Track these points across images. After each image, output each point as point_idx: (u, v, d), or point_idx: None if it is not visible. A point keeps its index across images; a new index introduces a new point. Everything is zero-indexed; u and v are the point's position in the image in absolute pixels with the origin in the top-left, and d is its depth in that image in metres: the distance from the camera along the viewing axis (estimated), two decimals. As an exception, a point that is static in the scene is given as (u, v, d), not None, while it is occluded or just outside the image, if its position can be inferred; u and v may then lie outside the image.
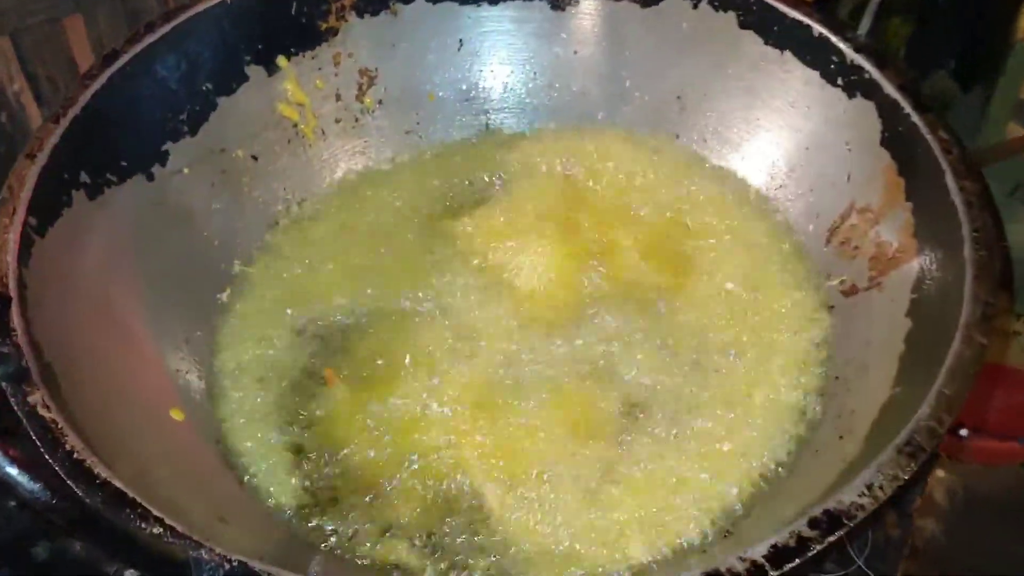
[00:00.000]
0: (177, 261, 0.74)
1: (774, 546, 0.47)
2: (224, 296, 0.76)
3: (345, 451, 0.66)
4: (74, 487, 0.47)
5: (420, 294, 0.75)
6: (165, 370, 0.68)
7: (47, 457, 0.49)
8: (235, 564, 0.46)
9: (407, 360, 0.71)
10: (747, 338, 0.71)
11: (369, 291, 0.75)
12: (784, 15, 0.77)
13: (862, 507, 0.49)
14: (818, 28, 0.75)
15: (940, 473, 1.75)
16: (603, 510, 0.62)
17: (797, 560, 0.47)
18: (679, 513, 0.61)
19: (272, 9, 0.80)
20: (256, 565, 0.46)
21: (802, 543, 0.47)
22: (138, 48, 0.73)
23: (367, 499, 0.64)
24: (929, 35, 1.95)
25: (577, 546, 0.61)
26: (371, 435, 0.67)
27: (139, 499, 0.47)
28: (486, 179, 0.84)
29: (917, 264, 0.66)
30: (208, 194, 0.78)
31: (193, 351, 0.71)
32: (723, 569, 0.47)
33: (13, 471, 0.39)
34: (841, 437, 0.61)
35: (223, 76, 0.79)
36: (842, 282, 0.72)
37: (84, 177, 0.68)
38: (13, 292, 0.58)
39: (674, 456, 0.65)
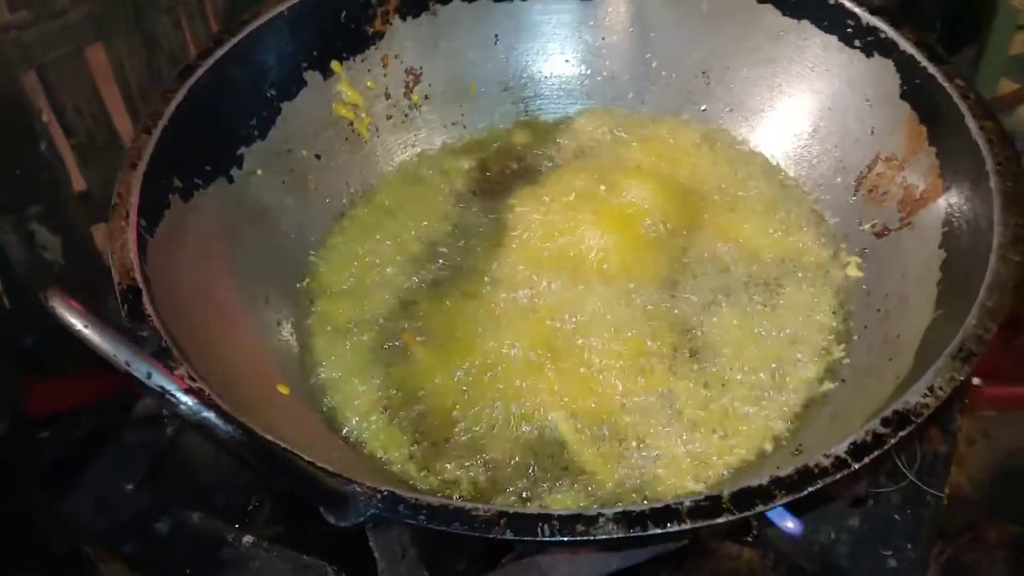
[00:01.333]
0: (260, 253, 0.80)
1: (853, 443, 0.54)
2: (304, 283, 0.82)
3: (435, 402, 0.73)
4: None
5: (482, 267, 0.81)
6: (265, 350, 0.75)
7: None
8: (385, 494, 0.53)
9: (478, 321, 0.77)
10: (788, 283, 0.78)
11: (439, 262, 0.82)
12: (797, -13, 0.84)
13: (927, 406, 0.55)
14: (832, -3, 0.82)
15: (958, 420, 1.82)
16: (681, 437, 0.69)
17: (875, 453, 0.53)
18: (746, 435, 0.68)
19: (323, 17, 0.86)
20: (404, 493, 0.53)
21: (877, 439, 0.54)
22: (211, 61, 0.79)
23: (463, 439, 0.70)
24: (916, 2, 2.03)
25: (661, 471, 0.68)
26: (457, 387, 0.73)
27: (292, 448, 0.53)
28: (530, 160, 0.90)
29: (944, 201, 0.72)
30: (280, 192, 0.84)
31: (286, 332, 0.78)
32: (812, 465, 0.53)
33: (211, 415, 0.45)
34: (891, 359, 0.68)
35: (285, 82, 0.85)
36: (873, 225, 0.79)
37: (177, 182, 0.75)
38: (141, 284, 0.64)
39: (734, 386, 0.72)
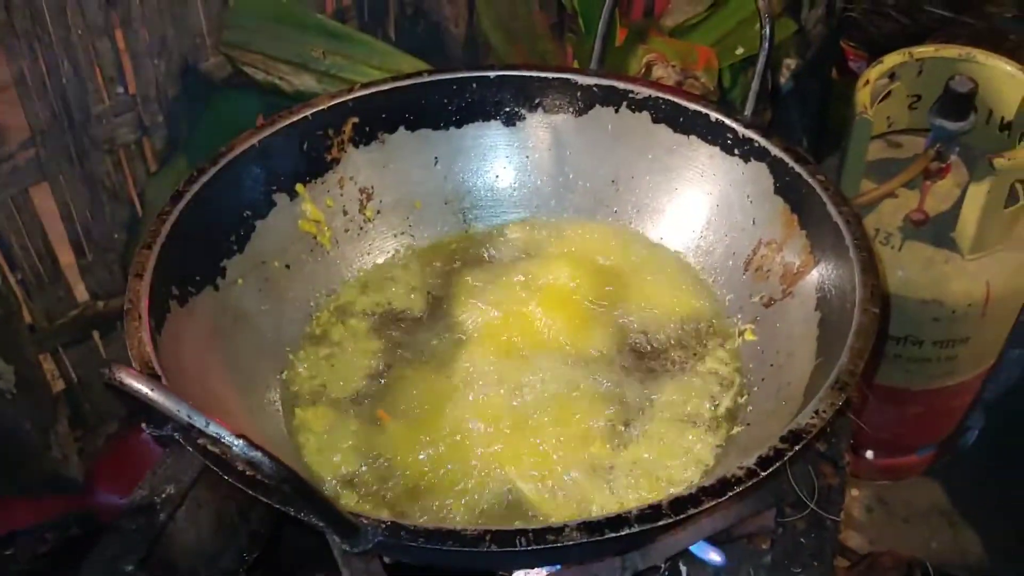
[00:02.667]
0: (245, 350, 0.92)
1: (760, 457, 0.68)
2: (283, 375, 0.94)
3: (405, 475, 0.85)
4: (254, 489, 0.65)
5: (438, 355, 0.95)
6: (255, 430, 0.86)
7: (227, 477, 0.67)
8: (388, 523, 0.65)
9: (441, 401, 0.90)
10: (698, 350, 0.93)
11: (399, 352, 0.95)
12: (686, 108, 1.02)
13: (814, 425, 0.70)
14: (714, 115, 1.00)
15: (855, 492, 1.99)
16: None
17: (777, 463, 0.68)
18: (676, 470, 0.83)
19: (289, 148, 1.01)
20: (403, 522, 0.65)
21: (778, 452, 0.68)
22: (196, 187, 0.93)
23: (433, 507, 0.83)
24: (783, 119, 2.28)
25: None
26: (424, 462, 0.86)
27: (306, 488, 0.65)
28: (473, 260, 1.05)
29: (816, 273, 0.89)
30: (257, 298, 0.97)
31: (273, 414, 0.89)
32: (729, 476, 0.67)
33: (258, 454, 0.56)
34: (785, 402, 0.83)
35: (258, 204, 0.99)
36: (762, 298, 0.95)
37: (175, 290, 0.87)
38: (160, 372, 0.76)
39: (661, 441, 0.86)
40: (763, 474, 0.67)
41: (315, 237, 1.03)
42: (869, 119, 1.66)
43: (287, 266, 1.00)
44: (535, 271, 1.01)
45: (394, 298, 1.02)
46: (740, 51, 1.78)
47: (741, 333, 0.95)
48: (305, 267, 1.02)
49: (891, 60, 1.73)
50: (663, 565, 0.98)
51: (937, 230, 1.68)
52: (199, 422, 0.57)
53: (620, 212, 1.07)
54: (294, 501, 0.61)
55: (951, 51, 1.73)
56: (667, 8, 1.97)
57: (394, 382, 0.93)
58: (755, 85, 0.98)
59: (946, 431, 1.99)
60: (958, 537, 1.66)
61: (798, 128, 2.27)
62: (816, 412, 0.71)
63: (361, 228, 1.06)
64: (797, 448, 0.69)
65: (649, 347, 0.95)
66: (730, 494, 0.66)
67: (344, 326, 0.99)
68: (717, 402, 0.90)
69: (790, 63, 2.31)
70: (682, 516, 0.65)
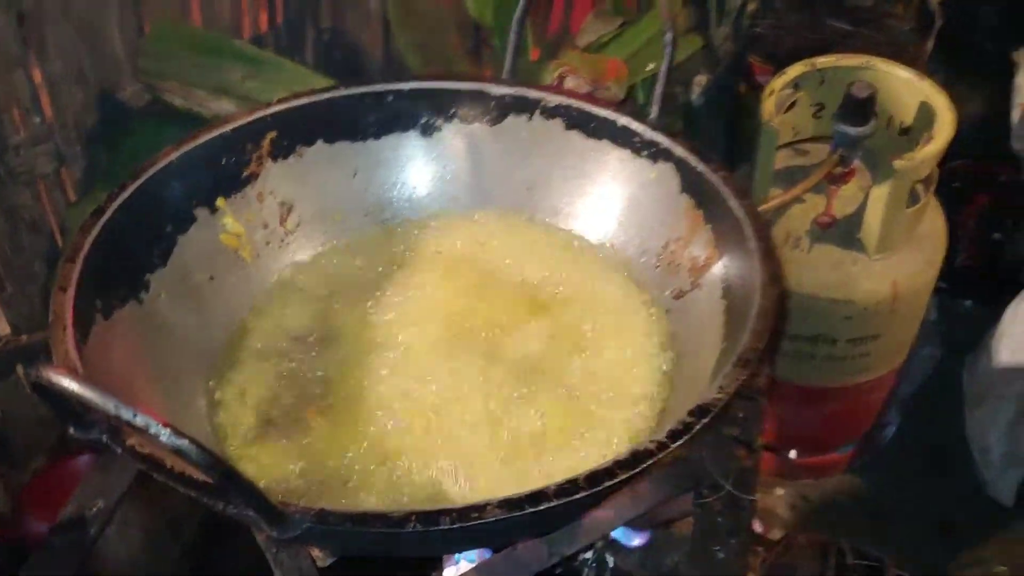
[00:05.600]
0: (171, 360, 0.93)
1: (670, 431, 0.72)
2: (211, 383, 0.96)
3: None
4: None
5: (361, 351, 0.98)
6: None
7: (156, 475, 0.68)
8: (317, 510, 0.67)
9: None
10: (614, 340, 0.97)
11: (313, 353, 0.98)
12: (596, 115, 1.06)
13: (719, 399, 0.74)
14: (622, 120, 1.04)
15: (780, 491, 2.05)
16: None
17: (685, 436, 0.71)
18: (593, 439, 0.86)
19: (208, 163, 1.03)
20: (331, 508, 0.67)
21: (686, 425, 0.72)
22: (117, 203, 0.94)
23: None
24: (697, 132, 2.35)
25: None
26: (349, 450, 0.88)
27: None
28: (393, 266, 1.08)
29: (721, 264, 0.94)
30: (182, 310, 0.98)
31: (199, 421, 0.91)
32: (641, 448, 0.71)
33: (184, 442, 0.58)
34: (697, 387, 0.87)
35: (179, 218, 1.00)
36: (673, 291, 0.99)
37: (98, 303, 0.88)
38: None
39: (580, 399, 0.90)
40: (673, 446, 0.71)
41: (237, 250, 1.05)
42: (775, 128, 1.72)
43: (211, 278, 1.02)
44: (457, 274, 1.04)
45: (311, 308, 1.04)
46: (650, 67, 1.85)
47: (657, 322, 0.99)
48: (228, 279, 1.03)
49: (794, 71, 1.80)
50: (590, 556, 1.01)
51: (844, 232, 1.75)
52: (126, 413, 0.59)
53: (537, 216, 1.11)
54: (222, 491, 0.63)
55: (851, 60, 1.81)
56: (581, 27, 2.03)
57: (315, 384, 0.95)
58: (659, 88, 1.02)
59: (865, 428, 2.06)
60: (880, 531, 1.72)
61: (711, 141, 2.35)
62: (720, 388, 0.75)
63: (282, 240, 1.08)
64: (704, 421, 0.73)
65: (574, 341, 0.98)
66: (642, 466, 0.69)
67: (266, 333, 1.01)
68: (644, 384, 0.94)
69: (701, 79, 2.39)
70: (598, 488, 0.68)
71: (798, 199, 1.77)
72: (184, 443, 0.59)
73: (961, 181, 2.40)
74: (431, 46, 1.97)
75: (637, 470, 0.70)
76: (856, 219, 1.73)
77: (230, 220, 1.04)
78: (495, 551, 0.92)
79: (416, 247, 1.10)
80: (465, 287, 1.03)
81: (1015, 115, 2.29)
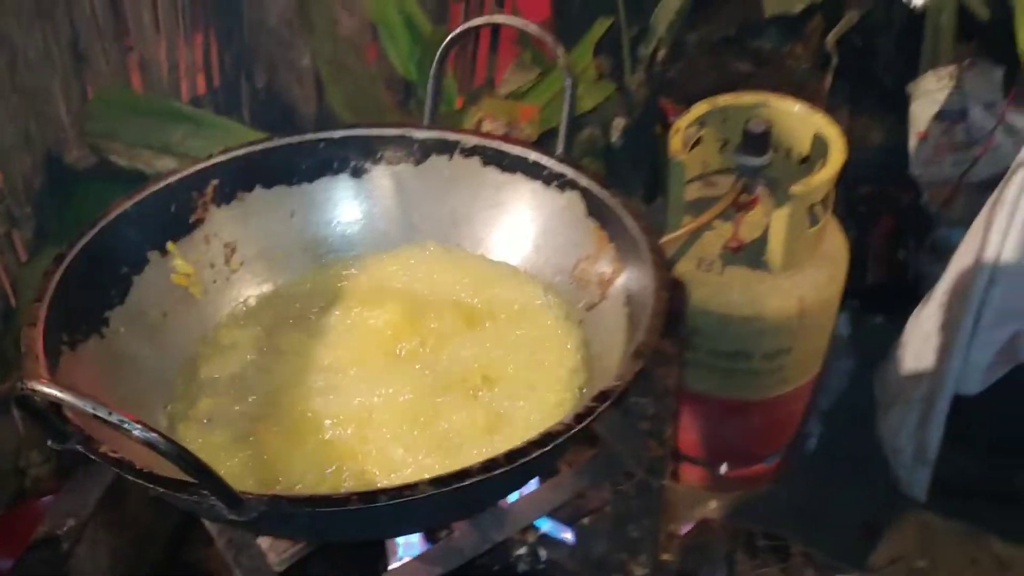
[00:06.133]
0: (132, 388, 1.03)
1: (576, 414, 0.83)
2: (168, 408, 1.05)
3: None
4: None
5: (304, 372, 1.08)
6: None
7: (127, 475, 0.78)
8: (270, 496, 0.77)
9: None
10: (535, 350, 1.08)
11: (260, 376, 1.08)
12: (509, 152, 1.18)
13: (618, 385, 0.85)
14: (533, 155, 1.17)
15: (713, 504, 2.17)
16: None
17: (589, 419, 0.82)
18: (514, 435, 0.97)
19: (158, 210, 1.13)
20: (284, 493, 0.77)
21: (589, 409, 0.83)
22: (77, 248, 1.04)
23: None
24: (618, 172, 2.50)
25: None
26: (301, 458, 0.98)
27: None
28: (330, 298, 1.18)
29: (624, 277, 1.06)
30: (140, 344, 1.07)
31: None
32: (551, 430, 0.81)
33: (155, 435, 0.68)
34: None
35: (133, 261, 1.10)
36: (585, 304, 1.11)
37: (64, 337, 0.98)
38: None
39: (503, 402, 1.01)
40: (577, 427, 0.82)
41: (187, 288, 1.15)
42: (682, 162, 1.87)
43: (164, 314, 1.12)
44: (389, 299, 1.15)
45: (257, 337, 1.14)
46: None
47: (571, 330, 1.11)
48: (180, 314, 1.13)
49: (697, 110, 1.96)
50: (524, 551, 1.12)
51: (752, 254, 1.89)
52: (102, 411, 0.69)
53: (461, 245, 1.22)
54: (186, 484, 0.73)
55: (748, 98, 1.97)
56: (502, 79, 2.17)
57: (262, 404, 1.05)
58: (563, 127, 1.15)
59: (788, 438, 2.19)
60: (808, 534, 1.83)
61: (632, 179, 2.49)
62: (619, 376, 0.87)
63: (228, 279, 1.18)
64: (605, 404, 0.84)
65: (498, 353, 1.09)
66: (553, 443, 0.80)
67: (216, 361, 1.10)
68: (565, 383, 1.05)
69: (619, 123, 2.54)
70: (515, 464, 0.79)
71: (709, 226, 1.92)
72: (153, 436, 0.69)
73: (867, 206, 2.57)
74: (361, 101, 2.09)
75: (548, 447, 0.80)
76: (762, 242, 1.87)
77: (180, 261, 1.14)
78: (433, 542, 1.02)
79: (351, 278, 1.21)
80: (398, 310, 1.13)
81: (912, 143, 2.47)
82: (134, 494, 1.12)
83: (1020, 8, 2.15)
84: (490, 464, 0.79)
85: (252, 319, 1.16)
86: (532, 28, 1.15)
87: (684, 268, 1.92)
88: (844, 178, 2.63)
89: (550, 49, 1.14)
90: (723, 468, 2.18)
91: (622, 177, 2.48)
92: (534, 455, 0.80)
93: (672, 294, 0.95)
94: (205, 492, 0.74)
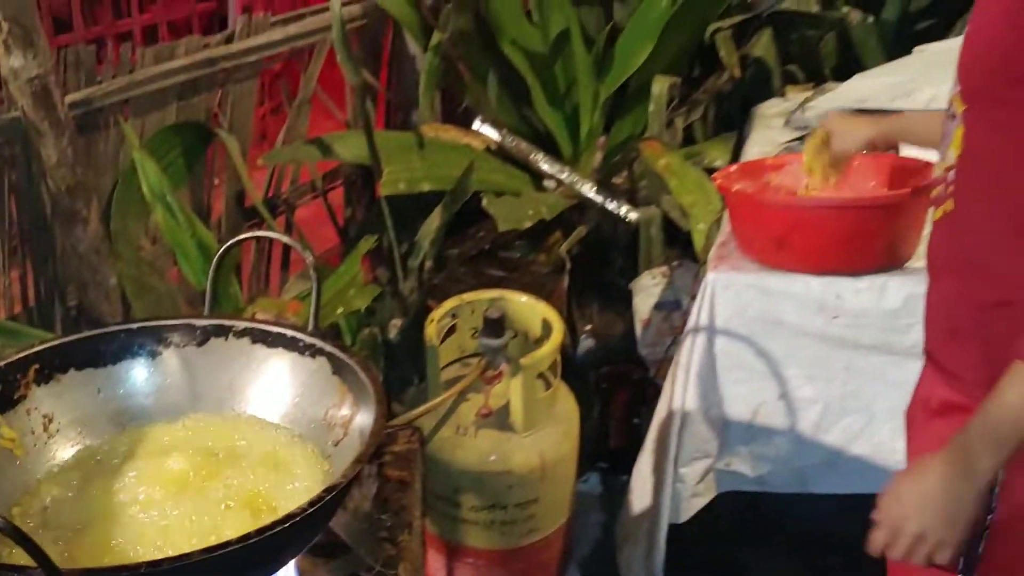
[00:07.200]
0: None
1: (303, 506, 1.16)
2: (-6, 544, 1.32)
3: None
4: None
5: (111, 507, 1.36)
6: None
7: None
8: (81, 569, 1.05)
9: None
10: (295, 478, 1.41)
11: (73, 516, 1.36)
12: (272, 331, 1.54)
13: (339, 483, 1.19)
14: (289, 332, 1.53)
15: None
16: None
17: (320, 503, 1.16)
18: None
19: (-14, 390, 1.42)
20: (92, 567, 1.06)
21: (317, 498, 1.17)
22: (-81, 419, 1.32)
23: None
24: (397, 366, 2.89)
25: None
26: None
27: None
28: (134, 456, 1.48)
29: (359, 416, 1.41)
30: (-28, 496, 1.34)
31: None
32: (280, 518, 1.14)
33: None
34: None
35: (-35, 429, 1.38)
36: (333, 440, 1.45)
37: (-91, 484, 1.24)
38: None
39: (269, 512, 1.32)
40: (311, 509, 1.15)
41: (12, 450, 1.42)
42: (436, 347, 2.28)
43: (-8, 471, 1.39)
44: (181, 452, 1.46)
45: (71, 488, 1.42)
46: (340, 311, 2.39)
47: (325, 460, 1.44)
48: (6, 471, 1.40)
49: (448, 304, 2.39)
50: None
51: (500, 419, 2.29)
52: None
53: (237, 407, 1.55)
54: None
55: (488, 294, 2.42)
56: (285, 287, 2.55)
57: (77, 534, 1.33)
58: (312, 308, 1.53)
59: (549, 583, 2.53)
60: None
61: (409, 369, 2.88)
62: (343, 475, 1.21)
63: (46, 443, 1.47)
64: (331, 495, 1.18)
65: (265, 481, 1.41)
66: (280, 528, 1.12)
67: (36, 508, 1.38)
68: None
69: (396, 322, 2.95)
70: (248, 542, 1.11)
71: (464, 398, 2.31)
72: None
73: (608, 382, 3.05)
74: (163, 314, 2.42)
75: (287, 525, 1.13)
76: (507, 408, 2.28)
77: (6, 429, 1.43)
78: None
79: (149, 439, 1.51)
80: (186, 459, 1.44)
81: (638, 329, 2.97)
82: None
83: (693, 222, 2.73)
84: (244, 536, 1.11)
85: (66, 473, 1.44)
86: (286, 239, 1.54)
87: (445, 434, 2.29)
88: (590, 362, 3.12)
89: (299, 252, 1.53)
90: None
91: (400, 368, 2.87)
92: (278, 530, 1.13)
93: (410, 435, 1.31)
94: (34, 565, 1.03)
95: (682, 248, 3.01)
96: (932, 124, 1.67)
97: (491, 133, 3.56)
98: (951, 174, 1.44)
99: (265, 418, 1.54)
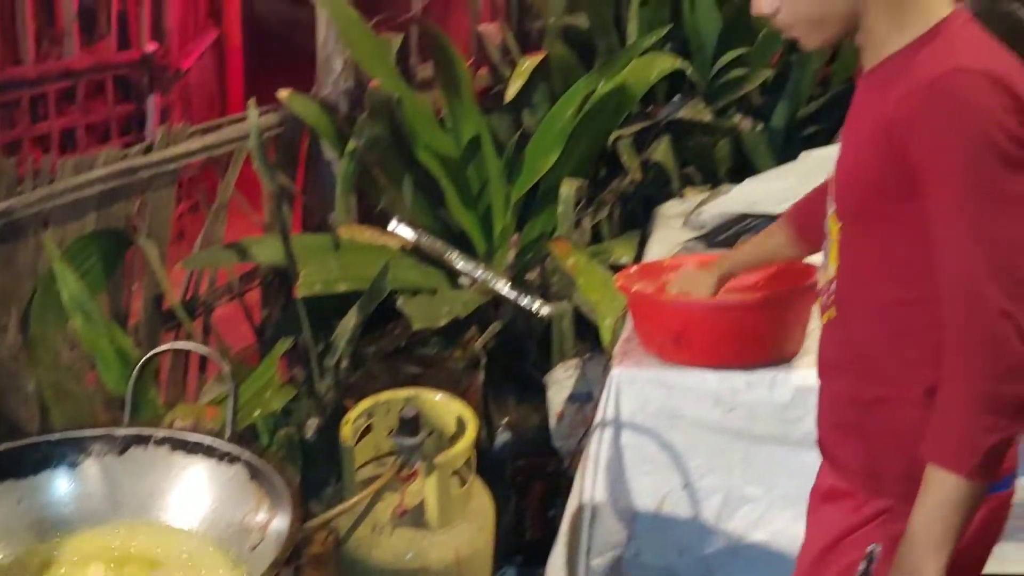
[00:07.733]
0: None
1: (227, 603, 1.22)
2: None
3: None
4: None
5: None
6: None
7: None
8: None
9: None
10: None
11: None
12: (190, 440, 1.61)
13: (283, 555, 1.26)
14: (207, 440, 1.60)
15: None
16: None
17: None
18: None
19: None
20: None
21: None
22: None
23: None
24: (312, 464, 2.93)
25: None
26: None
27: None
28: (52, 558, 1.52)
29: (276, 520, 1.48)
30: None
31: None
32: (209, 614, 1.20)
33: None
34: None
35: None
36: (250, 545, 1.51)
37: None
38: None
39: None
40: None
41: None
42: (351, 448, 2.34)
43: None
44: (100, 556, 1.50)
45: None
46: (257, 412, 2.45)
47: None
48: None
49: (363, 405, 2.46)
50: None
51: (416, 517, 2.35)
52: None
53: (156, 515, 1.61)
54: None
55: (403, 392, 2.51)
56: (203, 390, 2.60)
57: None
58: (228, 415, 1.60)
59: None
60: None
61: (326, 470, 2.93)
62: (283, 550, 1.28)
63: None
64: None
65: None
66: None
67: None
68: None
69: (312, 422, 3.01)
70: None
71: (380, 498, 2.37)
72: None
73: (524, 475, 3.12)
74: (80, 419, 2.45)
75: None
76: (423, 506, 2.34)
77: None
78: None
79: (69, 548, 1.56)
80: (108, 568, 1.49)
81: (552, 422, 3.07)
82: None
83: (600, 318, 2.87)
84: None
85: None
86: (203, 350, 1.62)
87: (361, 534, 2.34)
88: (506, 454, 3.21)
89: (216, 363, 1.61)
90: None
91: (318, 467, 2.91)
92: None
93: (325, 537, 1.38)
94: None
95: (593, 340, 3.13)
96: (761, 248, 2.06)
97: (407, 233, 3.67)
98: (833, 285, 1.58)
99: (184, 525, 1.60)
